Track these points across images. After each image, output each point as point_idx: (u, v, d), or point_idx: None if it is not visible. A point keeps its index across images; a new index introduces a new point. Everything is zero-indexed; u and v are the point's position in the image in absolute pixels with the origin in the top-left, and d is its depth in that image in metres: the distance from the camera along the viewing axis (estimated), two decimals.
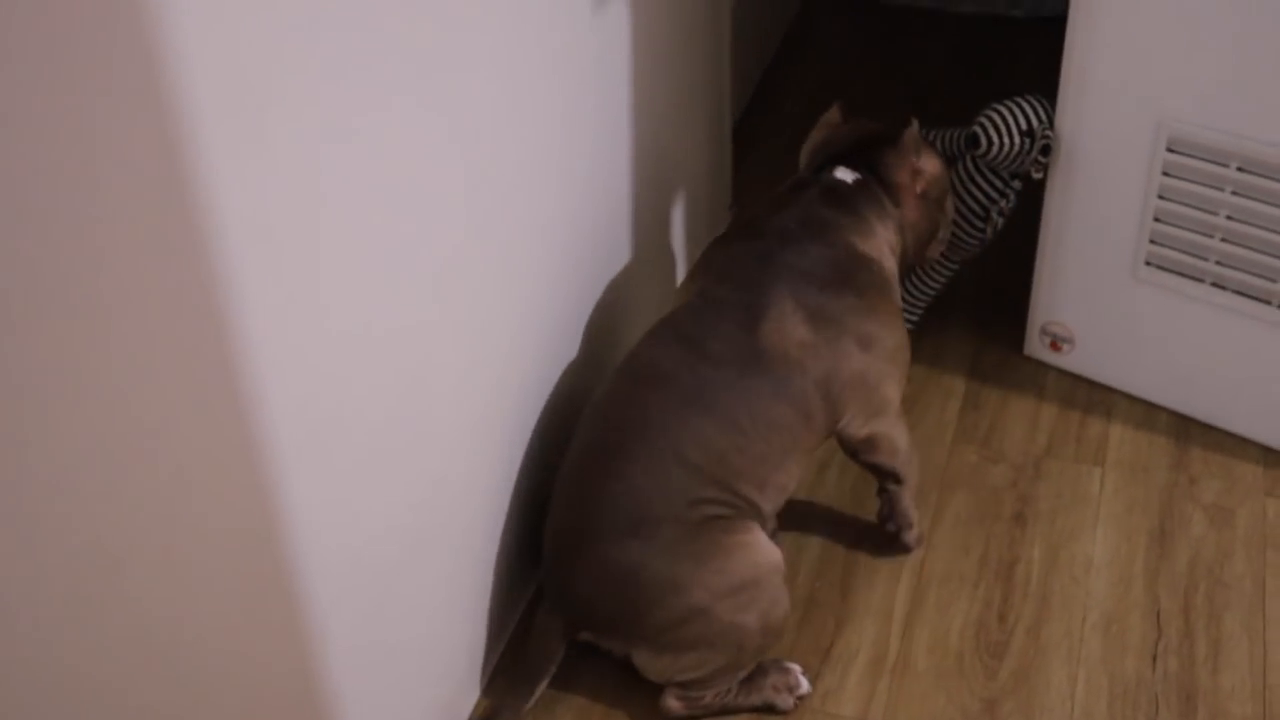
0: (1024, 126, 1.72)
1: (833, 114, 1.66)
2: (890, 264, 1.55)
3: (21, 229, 0.89)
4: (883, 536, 1.65)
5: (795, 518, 1.69)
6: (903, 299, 1.93)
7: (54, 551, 1.00)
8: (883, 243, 1.54)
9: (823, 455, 1.74)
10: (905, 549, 1.64)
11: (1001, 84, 1.75)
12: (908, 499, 1.61)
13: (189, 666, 1.09)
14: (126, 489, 0.94)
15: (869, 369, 1.48)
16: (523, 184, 1.38)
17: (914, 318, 1.95)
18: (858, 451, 1.54)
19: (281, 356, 1.00)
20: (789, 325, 1.43)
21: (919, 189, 1.57)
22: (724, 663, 1.41)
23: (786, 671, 1.48)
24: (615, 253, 1.70)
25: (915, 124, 1.57)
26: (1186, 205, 1.66)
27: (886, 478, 1.58)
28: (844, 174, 1.55)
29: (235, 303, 0.93)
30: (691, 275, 1.56)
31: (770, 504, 1.45)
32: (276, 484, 1.03)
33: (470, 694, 1.47)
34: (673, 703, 1.43)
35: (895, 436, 1.55)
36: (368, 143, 1.07)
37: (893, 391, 1.52)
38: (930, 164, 1.59)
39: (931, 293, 1.94)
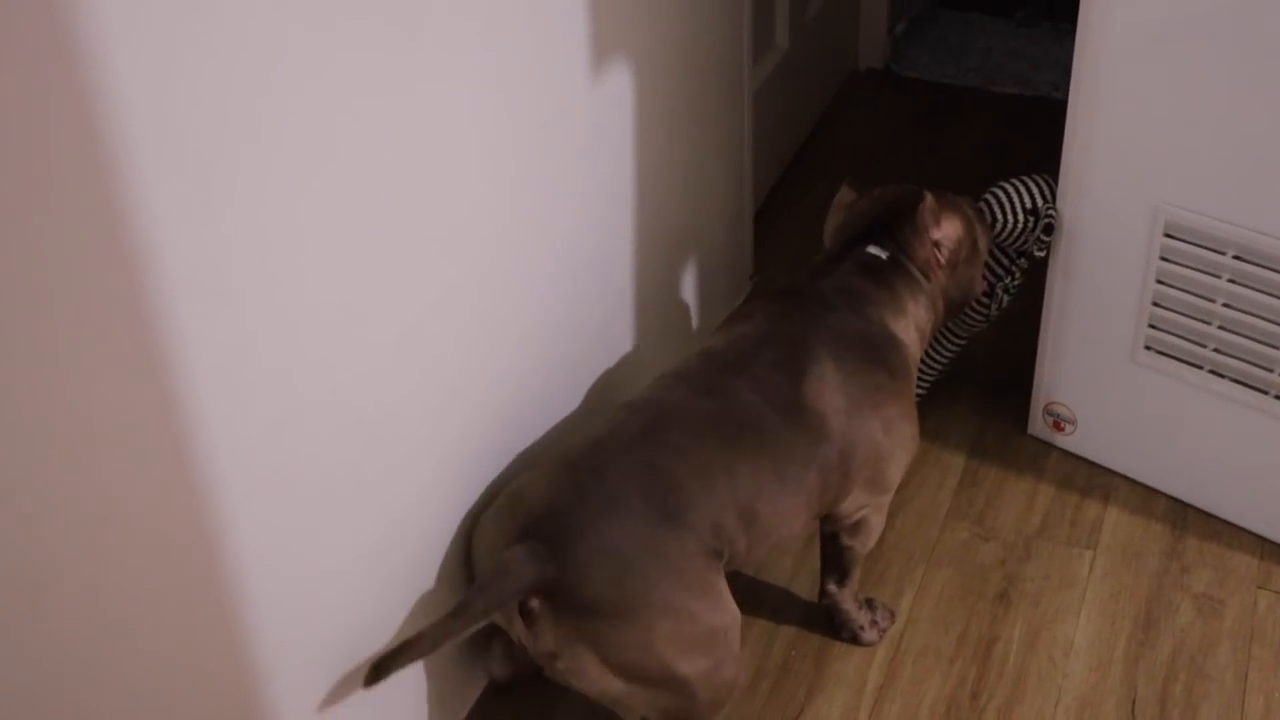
0: (1028, 205, 1.74)
1: (844, 194, 1.67)
2: (915, 350, 1.55)
3: None
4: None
5: (778, 585, 1.70)
6: None
7: None
8: (912, 324, 1.54)
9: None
10: (870, 644, 1.63)
11: (1040, 165, 1.77)
12: (849, 602, 1.61)
13: (118, 704, 1.11)
14: (52, 519, 0.99)
15: (885, 453, 1.49)
16: (504, 243, 1.42)
17: (920, 391, 1.95)
18: (841, 531, 1.54)
19: (227, 400, 1.04)
20: (829, 388, 1.44)
21: (945, 258, 1.57)
22: (661, 705, 1.35)
23: None
24: (614, 319, 1.73)
25: (929, 197, 1.55)
26: (1185, 291, 1.66)
27: (833, 572, 1.59)
28: (876, 250, 1.56)
29: (178, 348, 0.98)
30: (726, 323, 1.56)
31: (749, 560, 1.42)
32: (220, 524, 1.07)
33: None
34: None
35: (875, 527, 1.56)
36: (333, 199, 1.12)
37: (895, 480, 1.53)
38: (950, 229, 1.57)
39: (939, 368, 1.95)
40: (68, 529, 0.95)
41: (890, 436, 1.48)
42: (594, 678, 1.30)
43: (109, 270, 0.94)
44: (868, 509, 1.53)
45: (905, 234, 1.56)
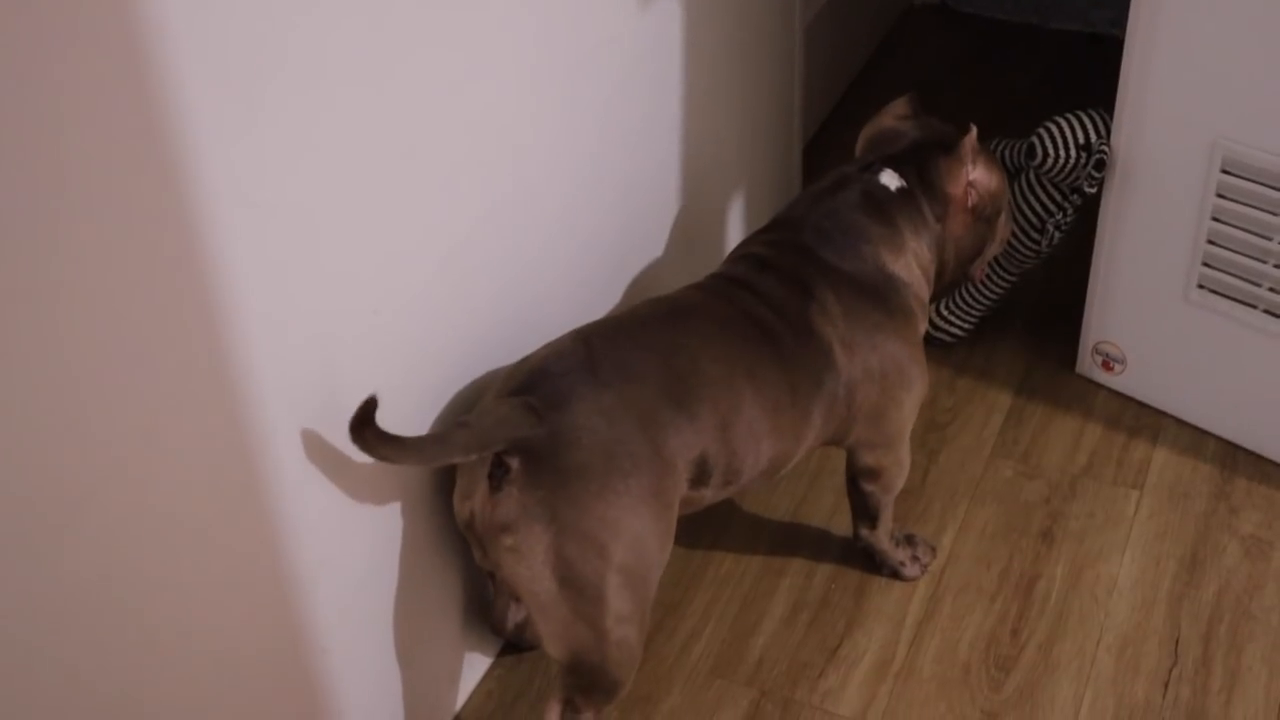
0: (1081, 140, 1.71)
1: (900, 105, 1.59)
2: (920, 288, 1.48)
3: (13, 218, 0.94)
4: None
5: (819, 522, 1.70)
6: (956, 309, 1.93)
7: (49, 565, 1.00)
8: (912, 261, 1.47)
9: None
10: (912, 579, 1.62)
11: (1097, 103, 1.73)
12: (884, 543, 1.60)
13: (186, 662, 1.13)
14: (95, 433, 0.99)
15: (885, 394, 1.45)
16: (544, 171, 1.41)
17: (967, 327, 1.94)
18: (859, 477, 1.52)
19: (269, 313, 1.05)
20: (831, 318, 1.40)
21: (970, 202, 1.50)
22: (572, 638, 1.24)
23: None
24: (657, 247, 1.72)
25: (974, 130, 1.48)
26: (1240, 229, 1.63)
27: (864, 517, 1.57)
28: (889, 179, 1.48)
29: (220, 260, 0.99)
30: (727, 260, 1.53)
31: (736, 484, 1.37)
32: (262, 437, 1.08)
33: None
34: None
35: (897, 474, 1.53)
36: (381, 115, 1.12)
37: (905, 422, 1.49)
38: (987, 177, 1.51)
39: (986, 304, 1.93)
40: (109, 445, 0.96)
41: (888, 376, 1.44)
42: (536, 566, 1.20)
43: (151, 183, 0.94)
44: (879, 457, 1.49)
45: (938, 164, 1.49)
